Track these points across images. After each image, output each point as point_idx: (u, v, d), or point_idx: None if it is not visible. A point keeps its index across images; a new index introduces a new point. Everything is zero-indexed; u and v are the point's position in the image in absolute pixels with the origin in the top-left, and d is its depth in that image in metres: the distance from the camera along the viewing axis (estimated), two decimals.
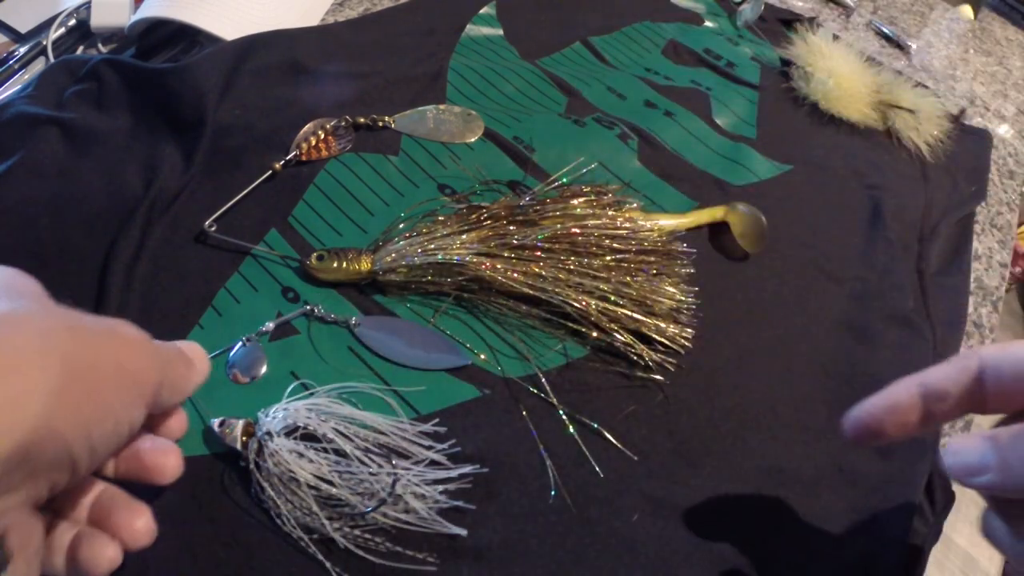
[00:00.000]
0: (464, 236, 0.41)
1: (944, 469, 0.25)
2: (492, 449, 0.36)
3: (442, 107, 0.52)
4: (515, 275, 0.40)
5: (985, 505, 0.27)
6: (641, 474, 0.37)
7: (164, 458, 0.29)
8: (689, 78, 0.64)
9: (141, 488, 0.29)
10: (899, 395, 0.27)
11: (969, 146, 0.67)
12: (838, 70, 0.64)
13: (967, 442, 0.24)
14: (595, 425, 0.38)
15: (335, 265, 0.40)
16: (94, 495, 0.28)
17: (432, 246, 0.40)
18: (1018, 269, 1.62)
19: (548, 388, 0.39)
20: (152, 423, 0.30)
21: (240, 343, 0.37)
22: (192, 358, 0.30)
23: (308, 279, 0.40)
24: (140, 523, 0.28)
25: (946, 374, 0.26)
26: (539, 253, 0.41)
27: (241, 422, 0.33)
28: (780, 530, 0.37)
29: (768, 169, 0.56)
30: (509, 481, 0.35)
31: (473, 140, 0.50)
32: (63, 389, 0.21)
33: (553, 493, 0.36)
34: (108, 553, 0.26)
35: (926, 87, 0.72)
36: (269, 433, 0.32)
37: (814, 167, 0.58)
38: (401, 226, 0.42)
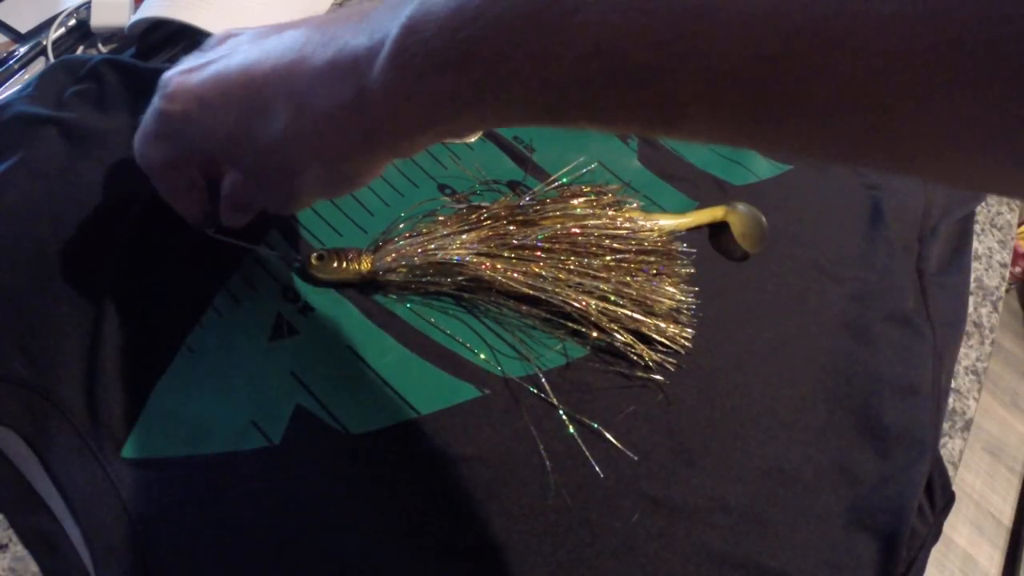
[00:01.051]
0: (464, 236, 0.41)
1: None
2: (492, 449, 0.36)
3: None
4: (515, 275, 0.40)
5: None
6: (641, 474, 0.37)
7: None
8: None
9: None
10: None
11: None
12: None
13: None
14: (595, 425, 0.38)
15: (335, 265, 0.40)
16: None
17: (432, 246, 0.40)
18: (1018, 269, 1.62)
19: (548, 388, 0.39)
20: None
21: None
22: None
23: (308, 279, 0.40)
24: None
25: None
26: (539, 253, 0.41)
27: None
28: (780, 530, 0.37)
29: (768, 169, 0.56)
30: (509, 481, 0.35)
31: (473, 140, 0.50)
32: None
33: (553, 493, 0.36)
34: None
35: None
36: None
37: (814, 167, 0.58)
38: (401, 226, 0.42)
